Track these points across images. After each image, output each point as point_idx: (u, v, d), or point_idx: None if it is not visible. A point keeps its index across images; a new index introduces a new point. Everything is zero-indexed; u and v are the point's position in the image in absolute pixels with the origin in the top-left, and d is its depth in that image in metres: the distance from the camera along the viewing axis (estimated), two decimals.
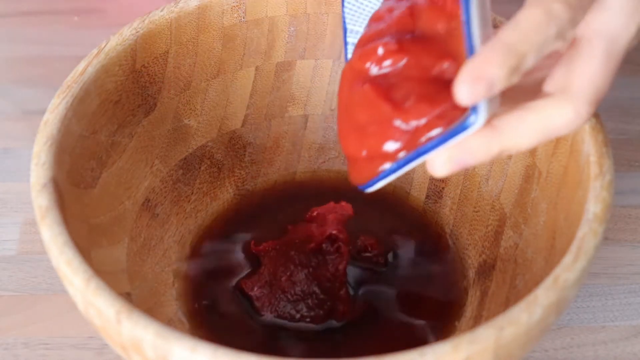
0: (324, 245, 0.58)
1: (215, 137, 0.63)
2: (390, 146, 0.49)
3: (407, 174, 0.64)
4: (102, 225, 0.56)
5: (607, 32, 0.48)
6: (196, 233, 0.61)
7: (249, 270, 0.60)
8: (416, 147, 0.49)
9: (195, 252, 0.61)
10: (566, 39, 0.47)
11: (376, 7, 0.55)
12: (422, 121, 0.48)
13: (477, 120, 0.47)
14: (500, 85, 0.46)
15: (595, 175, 0.52)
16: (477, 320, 0.57)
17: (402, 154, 0.49)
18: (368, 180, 0.51)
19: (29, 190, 0.52)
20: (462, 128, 0.47)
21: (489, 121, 0.48)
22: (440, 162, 0.49)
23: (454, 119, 0.48)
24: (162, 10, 0.59)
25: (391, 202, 0.63)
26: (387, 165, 0.50)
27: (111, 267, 0.55)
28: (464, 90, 0.46)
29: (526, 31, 0.46)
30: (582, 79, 0.47)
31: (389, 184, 0.51)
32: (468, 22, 0.48)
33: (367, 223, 0.61)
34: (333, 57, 0.64)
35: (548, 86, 0.48)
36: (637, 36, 0.49)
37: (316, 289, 0.57)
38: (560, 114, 0.47)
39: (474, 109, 0.47)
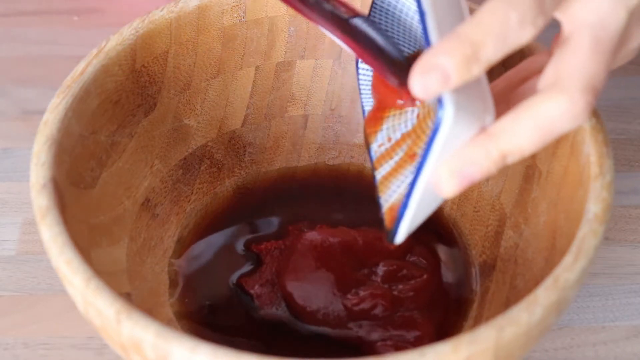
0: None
1: (215, 137, 0.63)
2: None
3: None
4: (102, 225, 0.56)
5: (593, 20, 0.47)
6: (196, 233, 0.61)
7: (249, 269, 0.60)
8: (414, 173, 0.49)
9: (195, 252, 0.61)
10: (536, 26, 0.46)
11: None
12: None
13: (445, 115, 0.46)
14: (457, 76, 0.45)
15: (596, 175, 0.52)
16: (477, 320, 0.57)
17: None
18: (392, 227, 0.51)
19: (29, 190, 0.52)
20: (436, 129, 0.46)
21: (484, 129, 0.47)
22: (444, 179, 0.48)
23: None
24: (162, 10, 0.59)
25: None
26: (400, 204, 0.50)
27: (111, 267, 0.55)
28: (417, 83, 0.45)
29: (481, 19, 0.45)
30: (572, 68, 0.46)
31: None
32: (422, 16, 0.47)
33: (367, 224, 0.61)
34: (333, 57, 0.64)
35: (540, 84, 0.48)
36: (629, 21, 0.48)
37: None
38: (554, 107, 0.46)
39: (440, 105, 0.46)
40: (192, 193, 0.62)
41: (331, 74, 0.64)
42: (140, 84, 0.59)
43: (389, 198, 0.52)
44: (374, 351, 0.56)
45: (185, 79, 0.61)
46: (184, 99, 0.62)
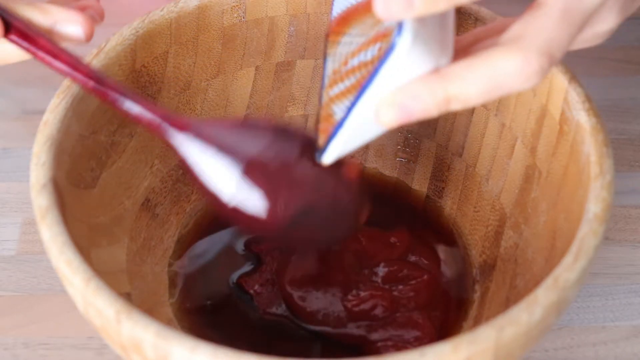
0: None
1: None
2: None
3: (406, 176, 0.64)
4: (102, 225, 0.56)
5: None
6: (196, 233, 0.61)
7: (249, 269, 0.60)
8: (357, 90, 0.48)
9: (195, 252, 0.61)
10: None
11: None
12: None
13: (400, 41, 0.45)
14: (421, 5, 0.44)
15: (596, 175, 0.52)
16: (478, 320, 0.57)
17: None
18: (323, 145, 0.50)
19: (29, 190, 0.52)
20: (388, 52, 0.46)
21: (437, 70, 0.47)
22: (384, 107, 0.47)
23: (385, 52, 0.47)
24: (162, 10, 0.59)
25: (391, 203, 0.64)
26: (337, 120, 0.49)
27: (111, 267, 0.55)
28: (380, 2, 0.45)
29: None
30: (535, 30, 0.46)
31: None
32: None
33: (368, 224, 0.61)
34: None
35: (502, 38, 0.48)
36: (603, 3, 0.48)
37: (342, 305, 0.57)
38: (508, 61, 0.46)
39: (398, 31, 0.46)
40: (192, 193, 0.62)
41: None
42: (140, 84, 0.59)
43: (328, 118, 0.51)
44: (374, 351, 0.56)
45: (185, 79, 0.61)
46: (184, 99, 0.61)
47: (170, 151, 0.61)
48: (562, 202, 0.55)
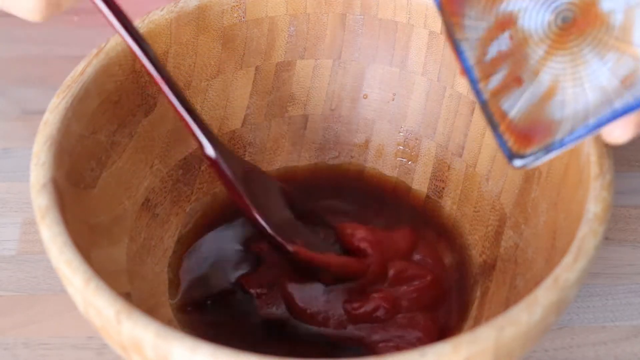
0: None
1: None
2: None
3: (406, 177, 0.64)
4: (102, 225, 0.56)
5: None
6: (196, 233, 0.61)
7: (249, 269, 0.60)
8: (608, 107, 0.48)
9: (195, 251, 0.61)
10: None
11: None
12: None
13: None
14: None
15: (596, 175, 0.52)
16: (477, 320, 0.57)
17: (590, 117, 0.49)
18: (529, 151, 0.50)
19: (29, 190, 0.52)
20: None
21: None
22: (622, 126, 0.48)
23: None
24: (162, 10, 0.59)
25: (391, 203, 0.64)
26: (551, 138, 0.50)
27: (111, 267, 0.55)
28: None
29: None
30: None
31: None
32: None
33: (367, 224, 0.61)
34: (333, 57, 0.64)
35: None
36: None
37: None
38: None
39: None
40: (192, 193, 0.62)
41: (331, 74, 0.64)
42: (140, 84, 0.59)
43: (503, 117, 0.51)
44: (375, 352, 0.55)
45: (185, 79, 0.61)
46: None
47: (174, 152, 0.61)
48: (562, 202, 0.55)
